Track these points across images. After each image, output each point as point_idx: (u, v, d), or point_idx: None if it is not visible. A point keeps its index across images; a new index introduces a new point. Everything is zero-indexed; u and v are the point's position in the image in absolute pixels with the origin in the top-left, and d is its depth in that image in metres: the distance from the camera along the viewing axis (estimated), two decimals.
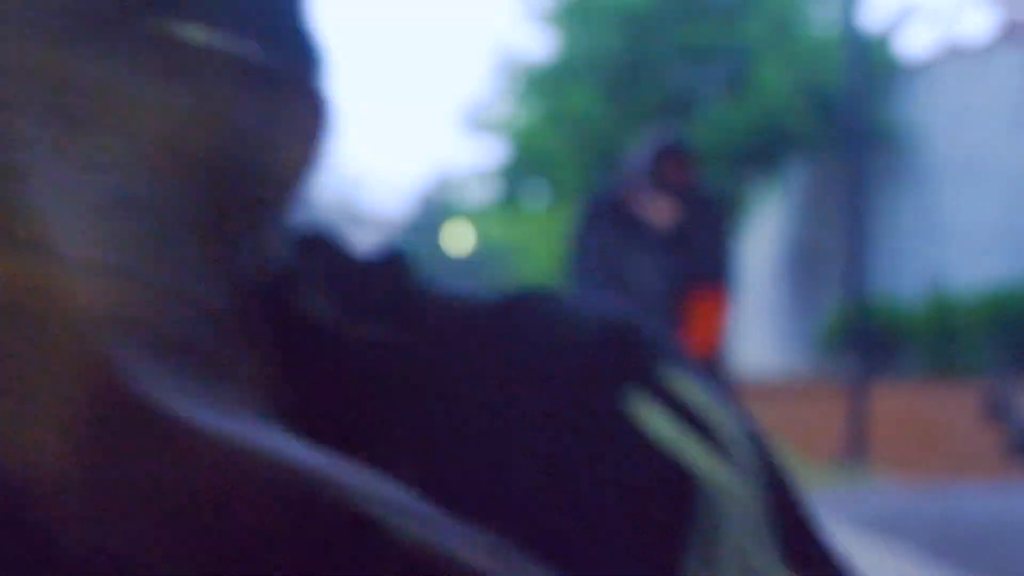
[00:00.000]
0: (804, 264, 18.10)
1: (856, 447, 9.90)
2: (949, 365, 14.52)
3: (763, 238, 19.47)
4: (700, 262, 3.95)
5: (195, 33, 0.47)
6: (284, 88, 0.49)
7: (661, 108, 19.00)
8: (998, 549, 5.39)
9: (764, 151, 18.28)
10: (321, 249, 0.52)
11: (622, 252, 3.78)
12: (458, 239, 45.93)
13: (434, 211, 57.12)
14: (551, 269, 37.00)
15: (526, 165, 20.55)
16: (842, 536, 5.98)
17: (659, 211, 3.87)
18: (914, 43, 35.82)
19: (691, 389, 0.49)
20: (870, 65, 16.53)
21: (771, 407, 12.48)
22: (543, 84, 20.15)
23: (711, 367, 3.96)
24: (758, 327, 19.06)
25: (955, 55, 18.00)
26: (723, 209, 4.38)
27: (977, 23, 33.14)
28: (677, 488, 0.46)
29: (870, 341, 12.75)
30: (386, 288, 0.52)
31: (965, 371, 14.24)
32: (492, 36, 35.40)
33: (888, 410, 12.48)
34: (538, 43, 32.51)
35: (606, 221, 3.89)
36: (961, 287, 15.72)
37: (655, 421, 0.48)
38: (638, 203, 3.91)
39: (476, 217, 27.55)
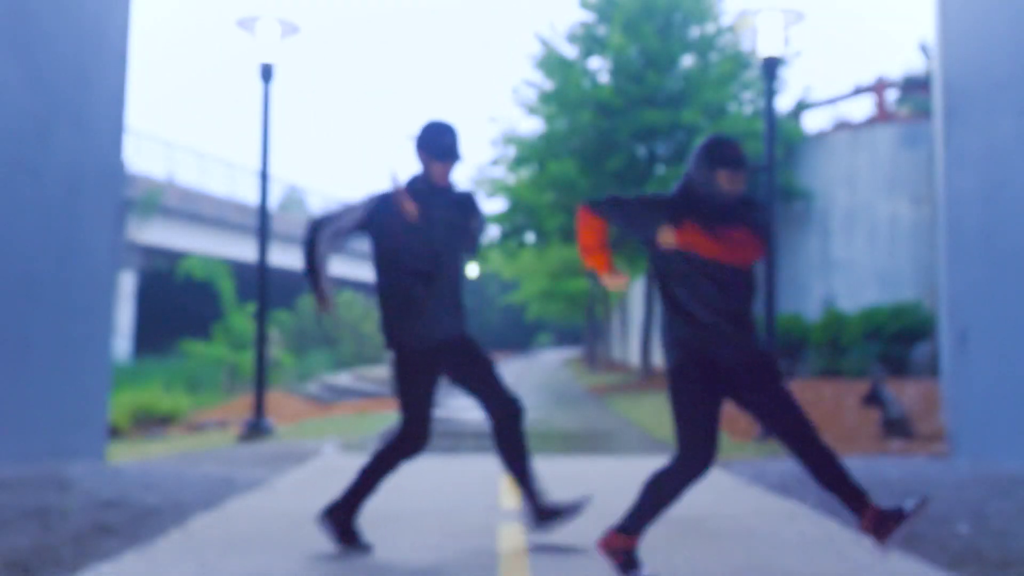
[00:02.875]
0: None
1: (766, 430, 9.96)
2: (838, 366, 14.58)
3: None
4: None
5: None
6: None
7: (622, 173, 19.13)
8: None
9: None
10: None
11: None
12: (467, 268, 45.78)
13: None
14: (538, 294, 36.94)
15: (518, 215, 20.62)
16: (755, 495, 6.06)
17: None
18: (814, 121, 35.96)
19: None
20: (782, 138, 16.67)
21: None
22: (531, 154, 20.23)
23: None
24: None
25: (844, 130, 18.12)
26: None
27: (860, 106, 33.40)
28: None
29: (779, 348, 12.79)
30: None
31: (850, 371, 14.31)
32: (491, 113, 35.72)
33: None
34: (526, 123, 32.61)
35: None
36: (846, 308, 15.81)
37: None
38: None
39: (481, 253, 27.58)
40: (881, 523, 3.57)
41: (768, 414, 3.78)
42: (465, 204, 4.49)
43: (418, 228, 4.37)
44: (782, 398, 3.78)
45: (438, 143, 4.40)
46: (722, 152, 3.73)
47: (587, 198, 3.89)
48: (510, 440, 4.45)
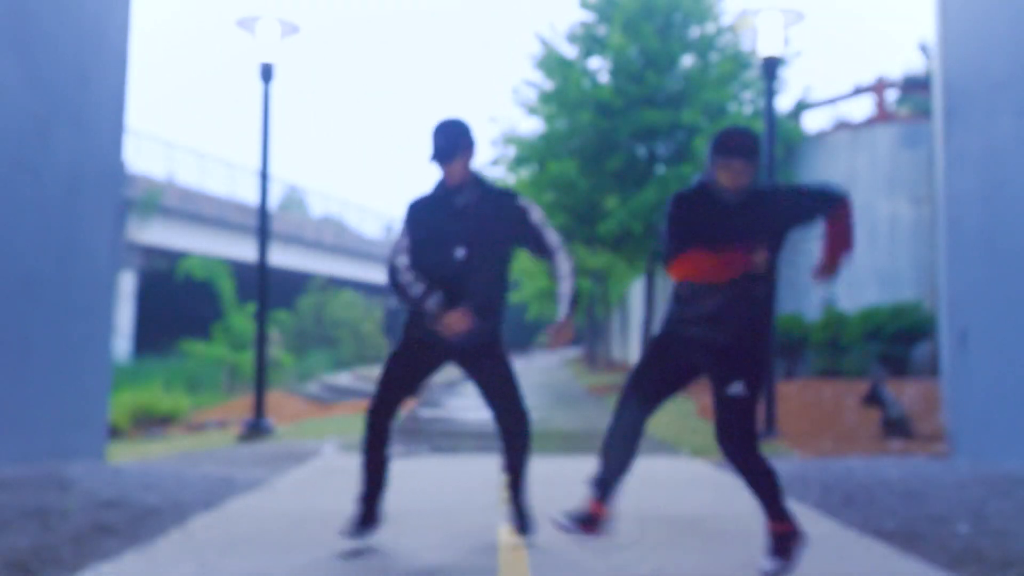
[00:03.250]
0: None
1: (768, 428, 9.99)
2: (838, 366, 14.58)
3: None
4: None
5: None
6: None
7: (622, 173, 19.13)
8: (868, 508, 5.46)
9: None
10: None
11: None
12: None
13: None
14: (538, 294, 37.00)
15: None
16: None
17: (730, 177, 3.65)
18: (814, 121, 35.97)
19: None
20: (782, 137, 16.67)
21: (705, 399, 12.55)
22: (530, 154, 20.22)
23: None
24: None
25: (844, 130, 18.11)
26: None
27: (860, 106, 33.40)
28: None
29: (779, 349, 12.83)
30: None
31: (849, 371, 14.31)
32: (491, 113, 35.48)
33: (792, 400, 12.55)
34: (526, 123, 32.58)
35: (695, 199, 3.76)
36: (846, 308, 15.81)
37: None
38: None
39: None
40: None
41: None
42: (501, 200, 4.37)
43: (437, 230, 4.31)
44: None
45: (433, 144, 4.33)
46: (722, 141, 3.68)
47: (664, 258, 3.84)
48: (512, 451, 4.51)
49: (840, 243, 3.92)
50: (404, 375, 4.46)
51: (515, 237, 4.40)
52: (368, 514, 4.43)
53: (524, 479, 4.54)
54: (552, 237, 4.39)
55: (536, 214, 4.41)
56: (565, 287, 4.39)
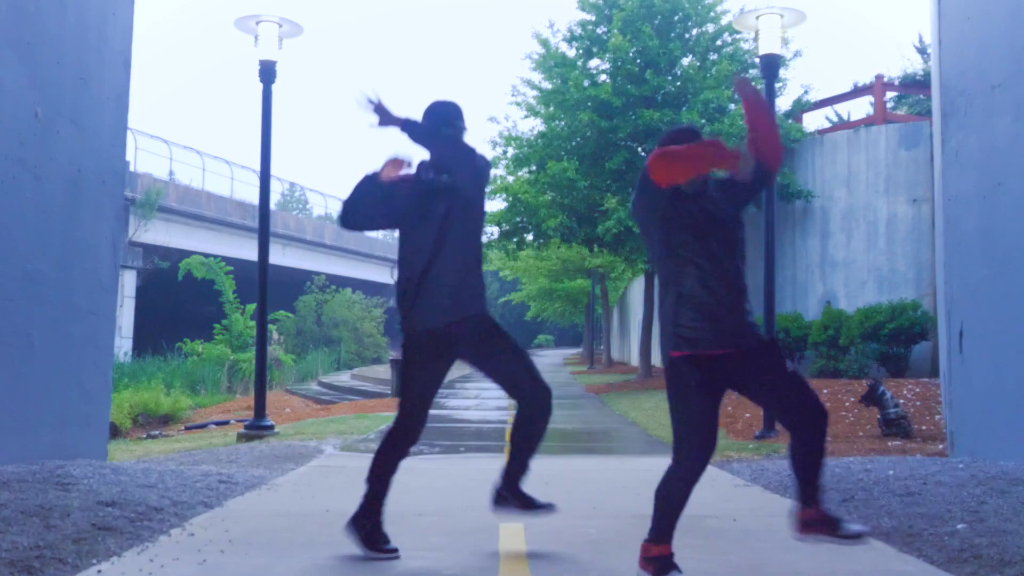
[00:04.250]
0: None
1: (768, 427, 10.01)
2: (837, 366, 14.58)
3: None
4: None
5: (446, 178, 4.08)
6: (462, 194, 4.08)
7: (622, 173, 19.15)
8: (867, 507, 5.47)
9: None
10: None
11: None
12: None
13: None
14: (538, 293, 36.89)
15: (518, 215, 20.62)
16: (754, 494, 6.07)
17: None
18: (813, 121, 35.95)
19: None
20: (782, 137, 16.66)
21: None
22: (530, 154, 20.22)
23: None
24: None
25: (843, 130, 18.11)
26: None
27: (859, 106, 33.33)
28: None
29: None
30: None
31: (848, 370, 14.32)
32: (490, 113, 35.17)
33: None
34: (525, 123, 32.55)
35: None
36: (845, 307, 15.82)
37: None
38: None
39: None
40: (816, 523, 3.69)
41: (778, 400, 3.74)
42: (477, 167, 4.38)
43: (418, 199, 4.32)
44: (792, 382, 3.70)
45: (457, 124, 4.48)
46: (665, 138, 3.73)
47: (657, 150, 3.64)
48: (531, 432, 4.41)
49: (756, 109, 3.72)
50: (423, 392, 4.33)
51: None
52: (373, 536, 4.33)
53: (526, 461, 4.46)
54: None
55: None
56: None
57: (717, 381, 3.61)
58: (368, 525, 4.28)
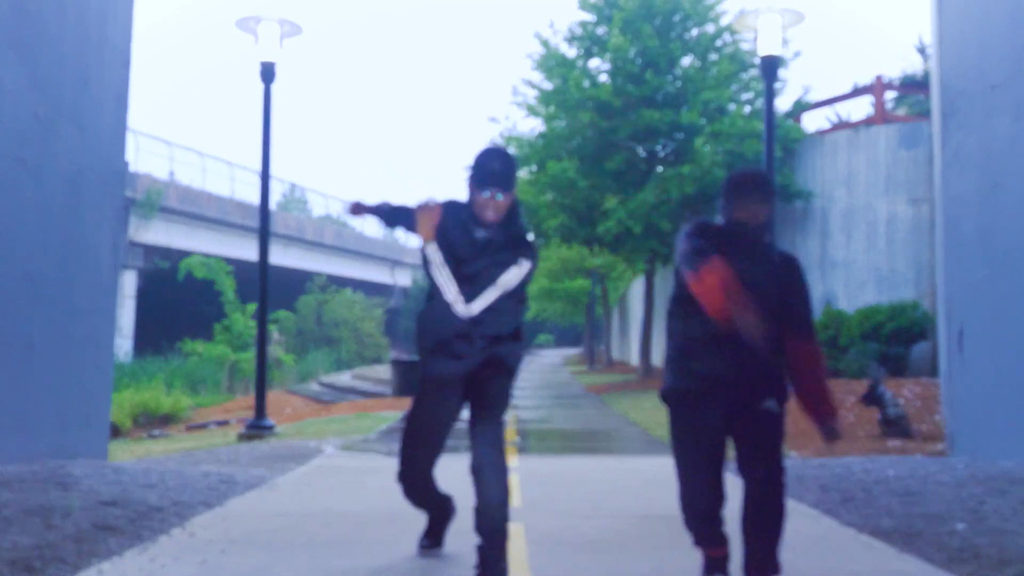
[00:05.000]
0: None
1: None
2: (836, 366, 14.57)
3: None
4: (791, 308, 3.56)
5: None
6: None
7: (622, 174, 19.16)
8: (867, 507, 5.47)
9: (698, 204, 18.43)
10: None
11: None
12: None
13: None
14: (538, 294, 36.94)
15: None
16: None
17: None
18: (813, 121, 35.97)
19: None
20: (781, 137, 16.68)
21: None
22: (530, 154, 20.22)
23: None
24: None
25: (843, 130, 18.11)
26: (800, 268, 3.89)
27: (859, 106, 33.28)
28: None
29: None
30: None
31: (848, 370, 14.31)
32: (490, 113, 35.13)
33: (792, 401, 12.54)
34: (526, 123, 32.55)
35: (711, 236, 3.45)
36: (845, 307, 15.81)
37: None
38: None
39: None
40: None
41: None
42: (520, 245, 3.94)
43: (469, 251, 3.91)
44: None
45: (479, 169, 3.91)
46: (738, 183, 3.59)
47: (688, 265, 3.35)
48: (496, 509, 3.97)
49: (819, 397, 3.56)
50: (432, 424, 4.09)
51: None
52: (431, 531, 4.35)
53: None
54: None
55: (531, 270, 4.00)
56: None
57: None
58: (427, 543, 4.34)
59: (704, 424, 3.48)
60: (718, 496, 3.51)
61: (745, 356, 3.39)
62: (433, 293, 3.97)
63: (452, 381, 3.99)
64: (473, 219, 3.91)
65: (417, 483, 4.22)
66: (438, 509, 4.34)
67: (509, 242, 3.92)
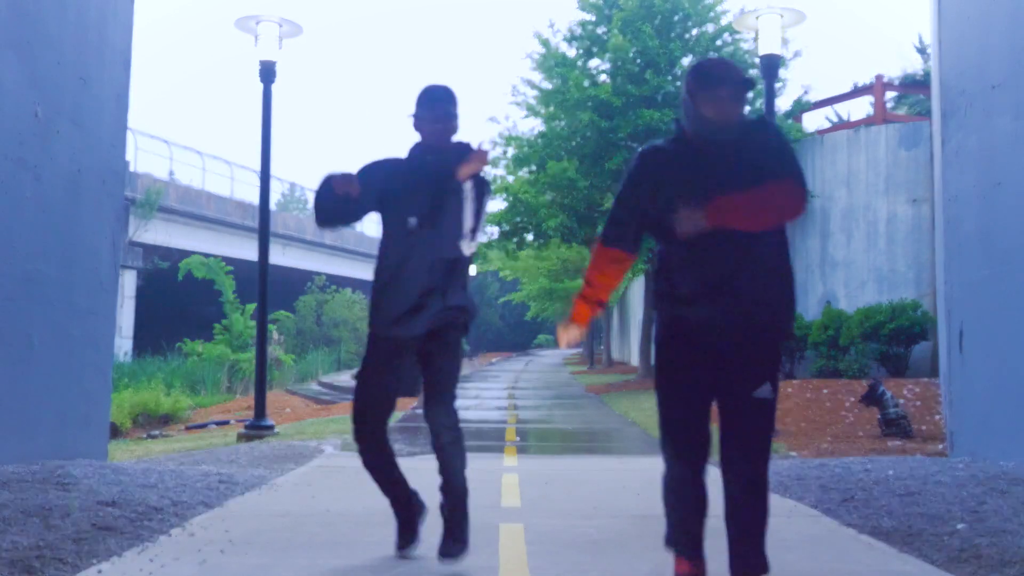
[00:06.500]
0: None
1: None
2: (837, 366, 14.58)
3: None
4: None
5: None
6: None
7: (619, 175, 19.14)
8: (867, 507, 5.47)
9: None
10: None
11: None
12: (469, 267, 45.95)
13: None
14: (538, 293, 36.88)
15: (518, 215, 20.63)
16: None
17: None
18: (813, 121, 35.93)
19: None
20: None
21: None
22: (530, 154, 20.23)
23: None
24: None
25: (843, 130, 18.11)
26: None
27: (859, 106, 33.22)
28: None
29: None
30: None
31: (848, 370, 14.32)
32: (490, 113, 34.99)
33: (791, 399, 12.54)
34: (525, 123, 32.53)
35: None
36: (845, 307, 15.82)
37: None
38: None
39: (480, 250, 27.65)
40: None
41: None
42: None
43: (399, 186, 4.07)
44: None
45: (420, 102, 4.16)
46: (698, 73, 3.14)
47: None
48: (455, 465, 4.11)
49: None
50: (379, 381, 4.12)
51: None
52: (403, 531, 4.27)
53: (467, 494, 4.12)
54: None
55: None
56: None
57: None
58: (405, 530, 4.27)
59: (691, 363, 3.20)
60: (704, 452, 3.30)
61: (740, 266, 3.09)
62: None
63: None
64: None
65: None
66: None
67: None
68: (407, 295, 4.02)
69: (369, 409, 4.14)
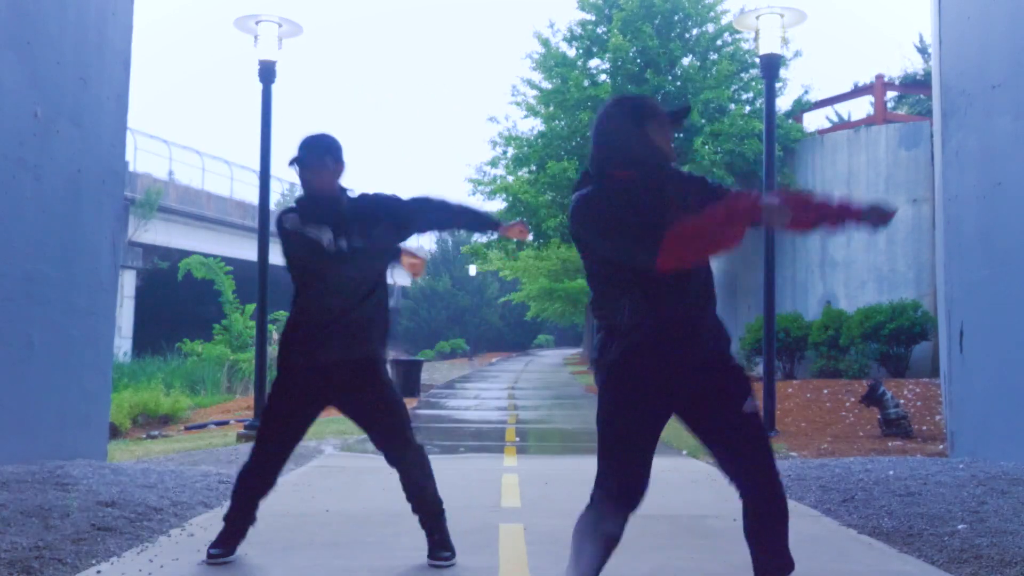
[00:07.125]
0: (728, 291, 18.21)
1: (767, 428, 10.00)
2: (837, 366, 14.58)
3: None
4: None
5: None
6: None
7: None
8: (867, 508, 5.47)
9: None
10: None
11: None
12: (469, 266, 46.11)
13: (452, 246, 57.24)
14: (538, 294, 36.85)
15: (517, 215, 20.63)
16: None
17: None
18: (813, 121, 35.89)
19: None
20: (782, 137, 16.68)
21: None
22: (529, 154, 20.23)
23: None
24: None
25: (843, 129, 18.11)
26: None
27: (859, 106, 33.20)
28: None
29: (778, 348, 12.84)
30: None
31: (849, 370, 14.32)
32: (490, 113, 35.06)
33: (791, 399, 12.55)
34: (525, 123, 32.50)
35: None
36: (845, 307, 15.82)
37: None
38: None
39: (480, 250, 27.66)
40: None
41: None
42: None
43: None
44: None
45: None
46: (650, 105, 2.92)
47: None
48: (424, 489, 4.08)
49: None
50: (283, 425, 4.12)
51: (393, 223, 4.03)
52: (229, 535, 4.17)
53: (442, 511, 4.15)
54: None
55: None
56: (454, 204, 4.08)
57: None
58: (220, 551, 4.12)
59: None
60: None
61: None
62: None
63: None
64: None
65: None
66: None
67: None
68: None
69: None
